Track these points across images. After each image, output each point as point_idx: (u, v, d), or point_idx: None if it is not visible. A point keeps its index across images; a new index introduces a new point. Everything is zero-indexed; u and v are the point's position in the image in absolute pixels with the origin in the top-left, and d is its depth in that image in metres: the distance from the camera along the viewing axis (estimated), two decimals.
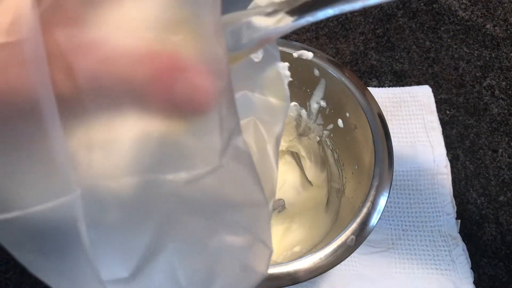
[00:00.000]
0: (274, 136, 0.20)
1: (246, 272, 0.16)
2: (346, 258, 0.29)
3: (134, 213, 0.13)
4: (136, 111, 0.12)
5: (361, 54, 0.51)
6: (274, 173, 0.20)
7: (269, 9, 0.16)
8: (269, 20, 0.16)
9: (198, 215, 0.14)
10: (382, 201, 0.31)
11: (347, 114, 0.37)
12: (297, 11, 0.15)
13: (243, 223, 0.15)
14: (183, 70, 0.12)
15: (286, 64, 0.21)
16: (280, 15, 0.15)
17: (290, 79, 0.22)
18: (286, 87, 0.21)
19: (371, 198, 0.31)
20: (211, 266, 0.15)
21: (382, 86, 0.49)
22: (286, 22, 0.15)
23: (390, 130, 0.34)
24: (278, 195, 0.41)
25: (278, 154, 0.20)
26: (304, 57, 0.31)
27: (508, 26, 0.53)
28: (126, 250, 0.14)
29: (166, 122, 0.12)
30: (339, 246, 0.30)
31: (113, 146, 0.12)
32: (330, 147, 0.40)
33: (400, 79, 0.49)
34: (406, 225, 0.41)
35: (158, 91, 0.12)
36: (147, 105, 0.12)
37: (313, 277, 0.29)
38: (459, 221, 0.41)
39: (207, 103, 0.13)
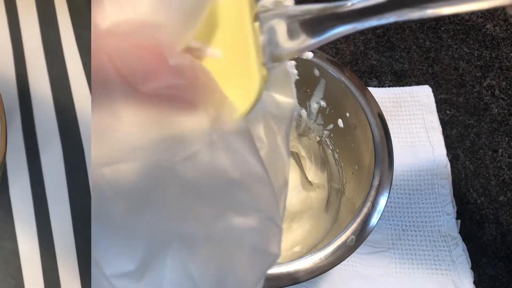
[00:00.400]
0: (283, 129, 0.21)
1: (259, 254, 0.15)
2: (346, 258, 0.29)
3: (132, 201, 0.13)
4: (125, 101, 0.12)
5: (361, 54, 0.51)
6: (286, 163, 0.20)
7: (296, 12, 0.16)
8: (291, 44, 0.16)
9: (201, 198, 0.14)
10: (382, 201, 0.31)
11: (347, 114, 0.37)
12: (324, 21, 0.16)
13: (248, 201, 0.15)
14: (164, 62, 0.13)
15: (293, 62, 0.22)
16: (302, 37, 0.16)
17: (297, 77, 0.22)
18: (293, 85, 0.22)
19: (371, 198, 0.31)
20: (222, 254, 0.15)
21: (382, 86, 0.49)
22: (307, 43, 0.16)
23: (390, 130, 0.34)
24: None
25: (288, 145, 0.20)
26: (304, 57, 0.30)
27: (508, 26, 0.53)
28: (129, 240, 0.14)
29: (155, 110, 0.13)
30: (339, 246, 0.30)
31: (104, 136, 0.12)
32: (330, 147, 0.40)
33: (400, 79, 0.49)
34: (406, 225, 0.41)
35: (142, 82, 0.13)
36: (134, 95, 0.13)
37: (313, 277, 0.29)
38: (459, 221, 0.41)
39: (186, 88, 0.13)
